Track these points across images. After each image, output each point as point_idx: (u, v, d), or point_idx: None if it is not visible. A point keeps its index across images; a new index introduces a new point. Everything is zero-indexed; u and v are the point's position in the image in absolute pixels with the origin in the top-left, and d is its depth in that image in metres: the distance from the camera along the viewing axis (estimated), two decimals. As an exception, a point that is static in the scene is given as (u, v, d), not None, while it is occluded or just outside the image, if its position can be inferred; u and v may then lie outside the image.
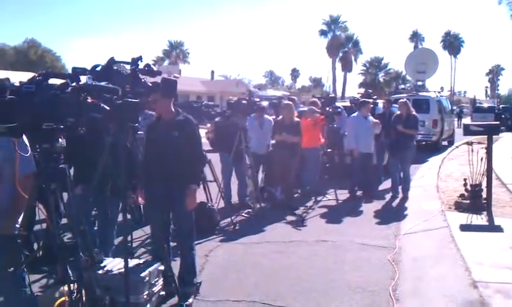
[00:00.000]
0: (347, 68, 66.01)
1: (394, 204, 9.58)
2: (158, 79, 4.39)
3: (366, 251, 6.54)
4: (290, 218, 8.33)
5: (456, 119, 28.13)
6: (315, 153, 10.02)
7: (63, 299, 3.80)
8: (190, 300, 4.83)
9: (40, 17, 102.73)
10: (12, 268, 3.39)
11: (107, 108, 2.88)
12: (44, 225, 4.72)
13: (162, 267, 4.86)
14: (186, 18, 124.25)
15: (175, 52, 63.95)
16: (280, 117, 9.36)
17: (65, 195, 3.63)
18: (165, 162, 4.75)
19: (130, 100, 3.23)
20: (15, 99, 2.50)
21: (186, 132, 4.76)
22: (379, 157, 11.02)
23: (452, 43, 78.00)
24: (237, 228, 7.68)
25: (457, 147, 18.47)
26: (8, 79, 2.46)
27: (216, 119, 8.48)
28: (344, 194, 9.97)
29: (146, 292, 4.59)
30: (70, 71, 3.14)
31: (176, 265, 5.09)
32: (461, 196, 8.51)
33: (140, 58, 3.98)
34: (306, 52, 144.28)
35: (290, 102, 9.93)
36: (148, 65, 4.12)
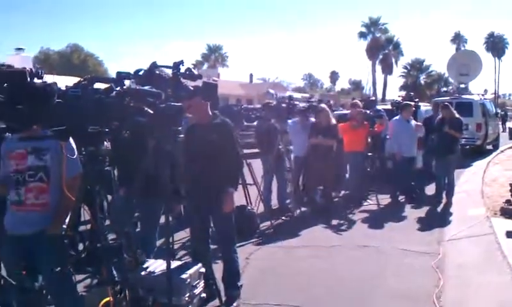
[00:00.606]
0: (387, 70, 65.11)
1: (438, 209, 9.36)
2: (199, 83, 4.42)
3: (408, 257, 6.41)
4: (330, 222, 8.26)
5: (500, 122, 27.30)
6: (355, 157, 9.85)
7: (107, 299, 3.87)
8: (235, 304, 4.85)
9: (84, 22, 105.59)
10: (59, 268, 3.48)
11: (151, 112, 2.92)
12: (88, 226, 4.85)
13: (203, 269, 4.90)
14: (225, 22, 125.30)
15: (214, 56, 64.54)
16: (316, 120, 9.28)
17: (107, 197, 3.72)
18: (203, 165, 4.78)
19: (173, 103, 3.28)
20: (62, 103, 2.57)
21: (223, 135, 4.79)
22: (425, 161, 10.78)
23: (496, 45, 75.80)
24: (276, 231, 7.66)
25: (502, 151, 17.94)
26: (55, 83, 2.52)
27: (256, 123, 8.50)
28: (385, 199, 9.81)
29: (188, 294, 4.63)
30: (113, 75, 3.20)
31: (216, 268, 5.11)
32: (507, 201, 8.24)
33: (181, 62, 4.02)
34: (346, 54, 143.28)
35: (324, 105, 9.83)
36: (189, 69, 4.16)
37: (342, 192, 10.39)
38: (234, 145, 4.90)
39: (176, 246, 5.86)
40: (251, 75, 51.42)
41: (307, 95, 26.95)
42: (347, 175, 10.27)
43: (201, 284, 4.89)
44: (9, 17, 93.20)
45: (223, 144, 4.75)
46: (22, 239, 3.65)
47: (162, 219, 5.22)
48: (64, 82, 4.09)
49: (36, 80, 2.24)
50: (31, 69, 2.32)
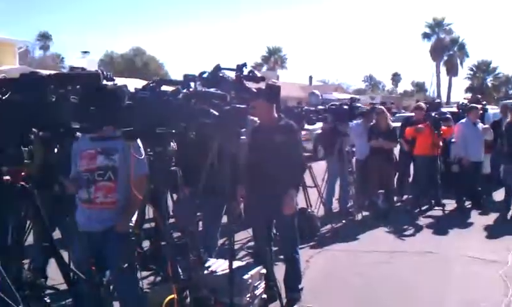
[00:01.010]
0: (452, 72, 62.94)
1: (507, 216, 8.94)
2: (262, 85, 4.45)
3: (475, 264, 6.17)
4: (392, 227, 8.08)
5: None
6: (422, 160, 9.51)
7: (172, 296, 3.96)
8: (296, 307, 4.84)
9: (145, 26, 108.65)
10: (126, 264, 3.59)
11: (216, 113, 2.97)
12: (152, 224, 4.98)
13: (264, 271, 4.91)
14: (284, 24, 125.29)
15: (273, 58, 64.66)
16: (373, 122, 9.10)
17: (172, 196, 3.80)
18: (266, 167, 4.77)
19: (238, 105, 3.31)
20: (132, 104, 2.65)
21: (288, 137, 4.78)
22: (493, 165, 10.33)
23: None
24: (337, 235, 7.57)
25: None
26: (125, 86, 2.61)
27: (322, 125, 8.45)
28: (451, 205, 9.48)
29: (249, 294, 4.67)
30: (172, 77, 3.27)
31: (277, 270, 5.12)
32: None
33: (245, 64, 4.06)
34: (408, 55, 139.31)
35: (382, 107, 9.62)
36: (252, 71, 4.20)
37: (405, 196, 10.14)
38: (298, 147, 4.89)
39: (236, 246, 5.90)
40: (310, 77, 51.12)
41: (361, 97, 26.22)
42: (410, 179, 10.02)
43: (262, 285, 4.91)
44: (74, 21, 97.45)
45: (288, 145, 4.75)
46: (91, 235, 3.80)
47: (224, 219, 5.32)
48: (128, 84, 4.23)
49: (107, 82, 2.33)
50: (102, 71, 2.40)
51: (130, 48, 51.29)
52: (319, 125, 9.35)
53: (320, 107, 8.46)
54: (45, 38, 58.25)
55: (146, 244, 5.16)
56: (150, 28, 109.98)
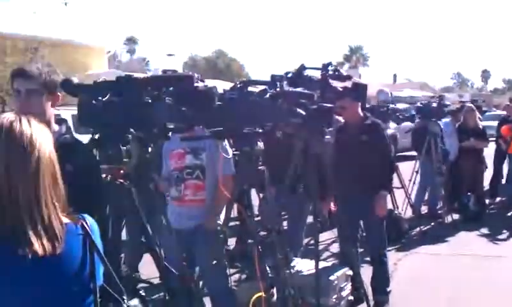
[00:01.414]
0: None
1: None
2: (347, 84, 4.39)
3: None
4: (484, 230, 7.69)
5: None
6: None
7: (259, 294, 4.01)
8: (384, 309, 4.75)
9: (227, 29, 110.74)
10: (216, 261, 3.68)
11: (303, 113, 2.97)
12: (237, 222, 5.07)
13: (350, 272, 4.85)
14: (366, 22, 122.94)
15: (355, 56, 63.71)
16: (461, 121, 8.70)
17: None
18: (354, 167, 4.70)
19: (325, 104, 3.30)
20: (221, 105, 2.72)
21: (375, 136, 4.69)
22: None
23: None
24: (426, 237, 7.33)
25: None
26: (215, 87, 2.69)
27: (414, 124, 8.23)
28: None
29: (335, 296, 4.63)
30: (252, 78, 3.30)
31: (363, 272, 5.03)
32: None
33: (330, 63, 4.03)
34: (499, 51, 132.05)
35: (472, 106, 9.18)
36: (337, 70, 4.16)
37: (498, 198, 9.62)
38: (387, 146, 4.79)
39: (320, 247, 5.86)
40: (394, 76, 49.83)
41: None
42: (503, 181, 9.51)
43: (349, 286, 4.86)
44: (158, 25, 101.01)
45: (376, 145, 4.66)
46: (181, 232, 3.93)
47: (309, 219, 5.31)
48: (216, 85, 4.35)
49: (199, 83, 2.41)
50: (193, 74, 2.49)
51: (212, 50, 52.53)
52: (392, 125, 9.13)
53: (405, 105, 8.22)
54: (131, 42, 61.05)
55: (231, 242, 5.26)
56: (232, 30, 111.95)
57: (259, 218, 4.99)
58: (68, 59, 19.30)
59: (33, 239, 1.49)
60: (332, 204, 5.27)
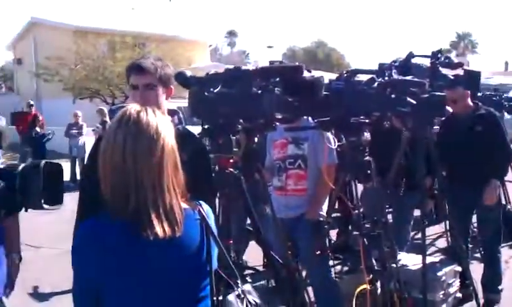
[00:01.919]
0: None
1: None
2: (459, 72, 4.18)
3: None
4: None
5: None
6: None
7: (364, 286, 3.95)
8: (496, 309, 4.51)
9: (326, 19, 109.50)
10: (319, 252, 3.68)
11: (413, 102, 2.87)
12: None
13: (458, 268, 4.65)
14: (474, 8, 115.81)
15: (463, 43, 60.43)
16: None
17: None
18: (466, 158, 4.50)
19: (437, 93, 3.16)
20: (327, 95, 2.70)
21: (490, 126, 4.47)
22: None
23: None
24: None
25: None
26: (322, 77, 2.67)
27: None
28: None
29: (443, 292, 4.46)
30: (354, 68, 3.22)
31: (472, 268, 4.79)
32: None
33: (440, 51, 3.85)
34: None
35: None
36: (448, 57, 3.96)
37: None
38: (504, 136, 4.53)
39: (427, 241, 5.65)
40: (506, 63, 46.74)
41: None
42: None
43: (457, 283, 4.66)
44: (257, 18, 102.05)
45: (491, 135, 4.45)
46: (284, 222, 3.97)
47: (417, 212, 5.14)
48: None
49: (306, 74, 2.41)
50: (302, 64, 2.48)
51: (311, 41, 52.22)
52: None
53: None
54: (231, 35, 62.30)
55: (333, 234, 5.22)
56: (331, 21, 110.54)
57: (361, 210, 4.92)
58: (172, 53, 20.17)
59: (155, 222, 1.57)
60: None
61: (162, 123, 1.66)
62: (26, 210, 2.55)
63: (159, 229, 1.57)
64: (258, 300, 1.81)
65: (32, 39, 27.94)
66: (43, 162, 1.29)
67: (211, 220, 1.77)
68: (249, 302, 1.76)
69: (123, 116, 1.64)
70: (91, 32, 23.58)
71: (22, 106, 19.24)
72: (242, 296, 1.76)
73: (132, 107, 1.67)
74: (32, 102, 16.04)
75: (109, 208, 1.62)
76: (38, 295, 5.19)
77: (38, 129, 13.99)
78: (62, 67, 21.70)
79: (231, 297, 1.72)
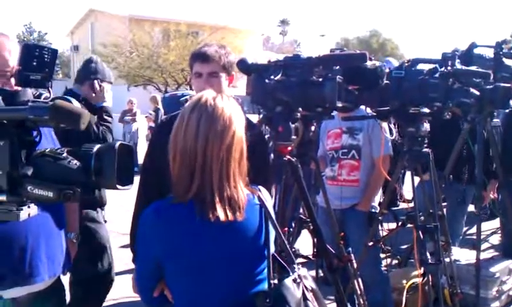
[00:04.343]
0: None
1: None
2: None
3: None
4: None
5: None
6: None
7: (415, 280, 3.91)
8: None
9: (380, 8, 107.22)
10: (371, 243, 3.66)
11: (477, 93, 2.80)
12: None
13: (514, 266, 4.53)
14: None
15: (525, 34, 58.00)
16: None
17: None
18: None
19: (501, 85, 3.08)
20: (388, 84, 2.67)
21: None
22: None
23: None
24: None
25: None
26: (384, 66, 2.64)
27: None
28: None
29: (496, 289, 4.37)
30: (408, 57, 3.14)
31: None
32: None
33: (504, 41, 3.73)
34: None
35: None
36: (512, 48, 3.84)
37: None
38: None
39: (482, 236, 5.52)
40: None
41: None
42: None
43: (511, 281, 4.54)
44: (310, 7, 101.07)
45: None
46: (336, 212, 3.95)
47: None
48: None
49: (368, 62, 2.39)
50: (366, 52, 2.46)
51: (365, 31, 51.28)
52: None
53: None
54: (283, 24, 61.98)
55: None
56: (386, 11, 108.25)
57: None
58: (225, 42, 20.31)
59: (218, 205, 1.63)
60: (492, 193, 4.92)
61: (235, 110, 1.71)
62: (99, 190, 2.64)
63: (221, 213, 1.62)
64: (314, 285, 1.83)
65: (90, 26, 28.74)
66: (118, 143, 1.35)
67: (270, 206, 1.80)
68: (306, 287, 1.78)
69: (198, 101, 1.69)
70: (146, 20, 24.07)
71: (78, 92, 19.80)
72: (299, 280, 1.77)
73: (208, 93, 1.72)
74: (87, 89, 16.49)
75: (174, 190, 1.67)
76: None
77: (93, 115, 14.39)
78: (117, 54, 22.28)
79: (288, 281, 1.74)
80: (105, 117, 3.57)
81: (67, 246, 2.55)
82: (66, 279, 2.90)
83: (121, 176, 1.33)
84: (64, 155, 1.35)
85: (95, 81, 3.62)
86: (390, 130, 4.41)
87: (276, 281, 1.76)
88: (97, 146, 1.36)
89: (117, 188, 1.34)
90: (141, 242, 1.76)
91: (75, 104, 2.30)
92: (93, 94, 3.62)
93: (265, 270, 1.75)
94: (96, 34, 27.30)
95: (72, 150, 1.37)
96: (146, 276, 1.81)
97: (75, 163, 1.34)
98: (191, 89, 17.88)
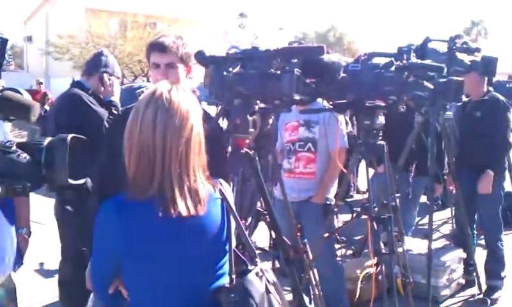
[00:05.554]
0: None
1: None
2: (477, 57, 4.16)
3: None
4: None
5: None
6: None
7: (369, 270, 3.99)
8: (496, 295, 4.53)
9: (338, 3, 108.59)
10: (326, 235, 3.70)
11: (431, 86, 2.86)
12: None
13: (463, 255, 4.68)
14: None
15: (476, 29, 59.89)
16: None
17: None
18: (469, 144, 4.58)
19: (454, 78, 3.16)
20: (345, 78, 2.69)
21: (490, 112, 4.49)
22: None
23: None
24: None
25: None
26: (341, 59, 2.66)
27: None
28: None
29: (446, 277, 4.50)
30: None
31: (477, 255, 4.83)
32: None
33: (458, 36, 3.83)
34: None
35: None
36: (465, 42, 3.94)
37: None
38: (501, 125, 4.52)
39: (433, 226, 5.68)
40: (516, 51, 46.25)
41: None
42: None
43: (461, 269, 4.71)
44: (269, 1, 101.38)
45: (488, 122, 4.46)
46: (292, 204, 3.98)
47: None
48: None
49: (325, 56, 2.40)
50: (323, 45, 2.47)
51: (323, 25, 51.73)
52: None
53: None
54: (242, 16, 61.73)
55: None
56: (343, 6, 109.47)
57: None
58: (183, 34, 20.11)
59: (179, 200, 1.59)
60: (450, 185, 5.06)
61: (192, 103, 1.67)
62: (52, 185, 2.57)
63: (182, 208, 1.59)
64: (275, 279, 1.83)
65: (44, 17, 27.90)
66: (70, 136, 1.30)
67: (231, 200, 1.79)
68: (268, 281, 1.77)
69: (153, 94, 1.64)
70: (103, 11, 23.55)
71: (31, 84, 19.27)
72: (261, 274, 1.76)
73: (163, 85, 1.67)
74: (41, 80, 16.05)
75: (132, 187, 1.62)
76: (43, 272, 5.25)
77: (46, 107, 14.00)
78: (73, 45, 21.71)
79: (251, 275, 1.72)
80: (114, 111, 3.49)
81: (18, 242, 2.47)
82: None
83: (73, 170, 1.29)
84: (14, 148, 1.30)
85: (105, 75, 3.55)
86: (346, 122, 4.48)
87: (235, 276, 1.74)
88: (48, 139, 1.32)
89: (68, 183, 1.30)
90: (98, 237, 1.68)
91: (26, 96, 2.21)
92: (102, 88, 3.55)
93: (226, 265, 1.74)
94: (51, 24, 26.49)
95: (21, 143, 1.32)
96: (101, 272, 1.76)
97: (24, 157, 1.29)
98: (148, 80, 17.63)
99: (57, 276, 3.66)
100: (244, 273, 1.73)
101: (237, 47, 2.48)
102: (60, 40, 21.98)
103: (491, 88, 4.72)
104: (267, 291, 1.74)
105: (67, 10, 25.07)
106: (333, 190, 4.08)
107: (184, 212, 1.59)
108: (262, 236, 4.90)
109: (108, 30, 22.34)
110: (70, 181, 1.29)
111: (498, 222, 4.66)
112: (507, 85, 6.74)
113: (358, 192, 7.56)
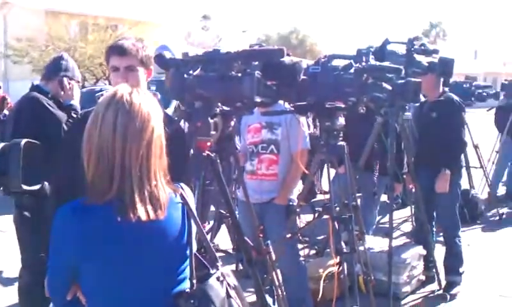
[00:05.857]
0: None
1: None
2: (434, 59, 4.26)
3: None
4: None
5: None
6: None
7: (331, 269, 4.03)
8: (455, 291, 4.65)
9: (300, 6, 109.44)
10: (289, 235, 3.72)
11: (389, 88, 2.91)
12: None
13: (423, 252, 4.78)
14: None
15: (435, 31, 61.35)
16: None
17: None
18: (426, 144, 4.69)
19: (412, 80, 3.22)
20: (306, 80, 2.72)
21: (445, 113, 4.59)
22: None
23: None
24: (502, 220, 7.13)
25: None
26: (301, 61, 2.69)
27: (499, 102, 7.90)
28: None
29: (407, 274, 4.59)
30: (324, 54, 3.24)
31: (437, 251, 4.94)
32: None
33: (416, 38, 3.92)
34: None
35: None
36: (423, 44, 4.04)
37: None
38: (456, 125, 4.65)
39: (394, 225, 5.80)
40: (475, 52, 47.79)
41: None
42: None
43: (421, 266, 4.81)
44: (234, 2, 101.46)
45: (444, 122, 4.56)
46: (255, 206, 3.98)
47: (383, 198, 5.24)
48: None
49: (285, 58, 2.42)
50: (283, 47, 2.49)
51: (286, 28, 51.99)
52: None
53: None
54: (205, 19, 61.47)
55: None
56: (305, 8, 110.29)
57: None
58: (145, 37, 19.92)
59: (139, 205, 1.56)
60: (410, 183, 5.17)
61: (153, 105, 1.66)
62: (5, 191, 2.49)
63: (142, 212, 1.57)
64: (236, 283, 1.82)
65: (2, 19, 27.15)
66: (24, 141, 1.27)
67: (192, 204, 1.78)
68: (229, 285, 1.77)
69: (113, 97, 1.61)
70: (63, 13, 23.08)
71: (-11, 88, 18.68)
72: (222, 279, 1.76)
73: (123, 88, 1.65)
74: (0, 84, 15.62)
75: (90, 191, 1.59)
76: (3, 279, 5.12)
77: (6, 112, 13.59)
78: (32, 48, 21.21)
79: (212, 280, 1.72)
80: (74, 115, 3.44)
81: None
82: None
83: (27, 176, 1.26)
84: (-35, 154, 1.26)
85: (64, 78, 3.54)
86: (308, 124, 4.52)
87: (196, 281, 1.73)
88: (1, 144, 1.28)
89: (22, 189, 1.26)
90: (54, 242, 1.64)
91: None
92: (62, 92, 3.53)
93: (187, 269, 1.72)
94: (10, 27, 25.79)
95: (-27, 149, 1.28)
96: (58, 278, 1.72)
97: (-21, 162, 1.25)
98: (110, 83, 17.34)
99: (17, 284, 3.60)
100: (204, 278, 1.72)
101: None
102: (18, 44, 21.45)
103: (446, 89, 4.85)
104: (228, 296, 1.74)
105: (26, 12, 24.49)
106: (296, 191, 4.11)
107: (144, 217, 1.57)
108: (225, 239, 4.91)
109: (68, 32, 21.91)
110: (24, 187, 1.25)
111: (455, 219, 4.78)
112: (464, 85, 6.95)
113: (321, 192, 7.67)
